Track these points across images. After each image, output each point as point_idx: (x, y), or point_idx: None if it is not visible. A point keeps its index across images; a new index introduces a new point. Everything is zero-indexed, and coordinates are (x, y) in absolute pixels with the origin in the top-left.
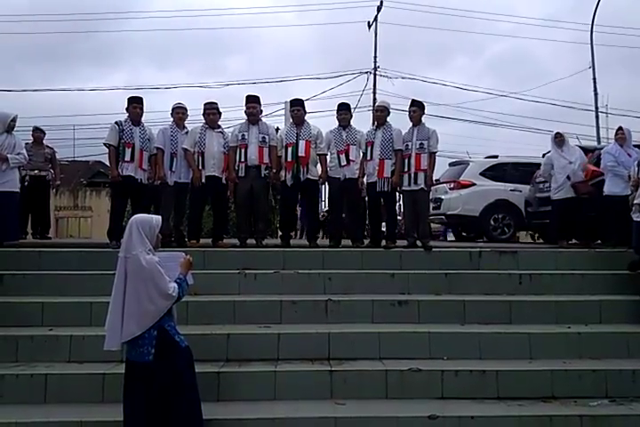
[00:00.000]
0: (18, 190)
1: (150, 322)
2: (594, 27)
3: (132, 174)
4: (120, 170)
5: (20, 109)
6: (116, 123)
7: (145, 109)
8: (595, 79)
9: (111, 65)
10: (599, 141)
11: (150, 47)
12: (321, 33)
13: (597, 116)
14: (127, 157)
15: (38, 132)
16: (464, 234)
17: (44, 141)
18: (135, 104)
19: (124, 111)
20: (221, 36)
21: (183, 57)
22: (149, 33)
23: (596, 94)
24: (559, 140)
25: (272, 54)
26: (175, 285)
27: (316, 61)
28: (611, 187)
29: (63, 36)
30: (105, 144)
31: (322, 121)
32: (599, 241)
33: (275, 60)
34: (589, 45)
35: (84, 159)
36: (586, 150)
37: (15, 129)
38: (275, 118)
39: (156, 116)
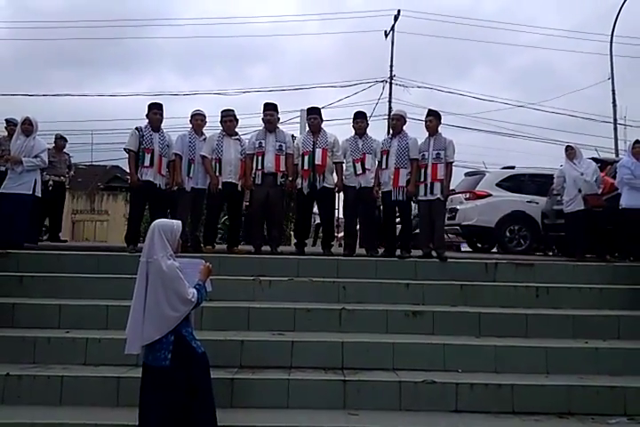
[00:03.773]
0: (31, 193)
1: (169, 327)
2: (614, 38)
3: (151, 179)
4: (139, 175)
5: (46, 114)
6: (136, 128)
7: (166, 115)
8: (614, 91)
9: (138, 71)
10: (617, 154)
11: (177, 55)
12: (345, 42)
13: (616, 128)
14: (146, 163)
15: (62, 141)
16: (478, 245)
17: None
18: (155, 110)
19: (144, 117)
20: (246, 46)
21: (209, 65)
22: (176, 41)
23: (614, 106)
24: (570, 153)
25: (296, 63)
26: (194, 290)
27: (340, 70)
28: (628, 200)
29: (92, 43)
30: (125, 149)
31: (338, 129)
32: (616, 254)
33: (299, 68)
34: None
35: (101, 164)
36: (605, 163)
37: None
38: (289, 126)
39: (180, 122)
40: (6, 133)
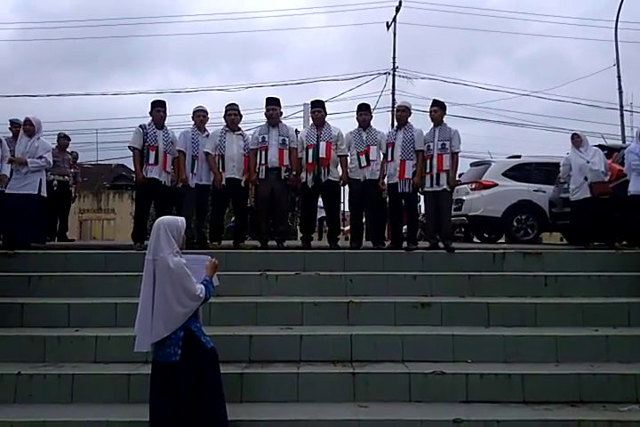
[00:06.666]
0: (36, 193)
1: (178, 323)
2: (618, 23)
3: (157, 177)
4: (144, 173)
5: (51, 114)
6: (140, 126)
7: (171, 113)
8: (619, 77)
9: (144, 70)
10: (624, 140)
11: (183, 52)
12: (351, 35)
13: (622, 115)
14: (151, 160)
15: (65, 140)
16: (485, 235)
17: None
18: (158, 108)
19: (148, 115)
20: (252, 41)
21: (215, 61)
22: (182, 38)
23: (620, 92)
24: (576, 140)
25: (303, 57)
26: (202, 286)
27: (347, 63)
28: (636, 186)
29: (98, 42)
30: (129, 147)
31: (343, 122)
32: (624, 242)
33: (305, 63)
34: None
35: (106, 162)
36: (612, 150)
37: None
38: (293, 120)
39: (184, 119)
40: (11, 135)
